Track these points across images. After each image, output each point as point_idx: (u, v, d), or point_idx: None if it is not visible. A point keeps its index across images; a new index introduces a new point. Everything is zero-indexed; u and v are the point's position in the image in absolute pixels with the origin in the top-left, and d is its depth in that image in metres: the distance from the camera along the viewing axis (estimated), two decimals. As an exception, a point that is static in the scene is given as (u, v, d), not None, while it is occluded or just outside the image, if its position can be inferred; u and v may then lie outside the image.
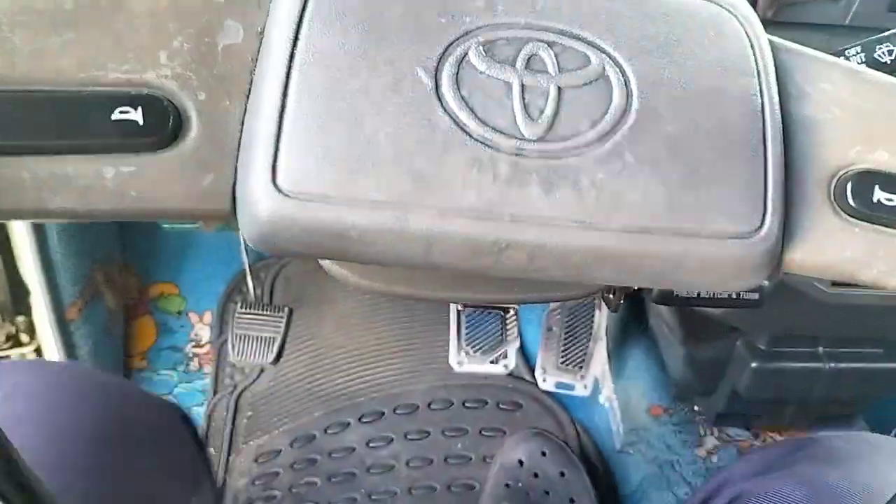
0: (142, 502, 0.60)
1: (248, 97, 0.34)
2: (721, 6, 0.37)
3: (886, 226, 0.36)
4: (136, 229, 1.33)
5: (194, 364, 1.27)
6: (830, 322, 0.94)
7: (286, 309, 1.27)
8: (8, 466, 0.33)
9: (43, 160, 0.32)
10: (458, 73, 0.34)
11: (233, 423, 1.19)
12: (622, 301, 0.61)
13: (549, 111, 0.34)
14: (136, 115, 0.33)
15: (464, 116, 0.33)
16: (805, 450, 0.66)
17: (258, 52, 0.35)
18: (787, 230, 0.35)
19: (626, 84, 0.35)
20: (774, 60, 0.37)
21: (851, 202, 0.36)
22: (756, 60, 0.36)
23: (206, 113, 0.34)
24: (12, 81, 0.32)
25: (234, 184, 0.34)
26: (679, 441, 1.16)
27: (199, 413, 1.21)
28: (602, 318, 1.23)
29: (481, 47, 0.34)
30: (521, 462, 1.07)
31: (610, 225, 0.33)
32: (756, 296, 0.63)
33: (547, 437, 1.10)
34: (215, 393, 1.23)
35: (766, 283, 0.62)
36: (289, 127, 0.33)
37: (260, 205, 0.32)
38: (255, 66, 0.34)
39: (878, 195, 0.36)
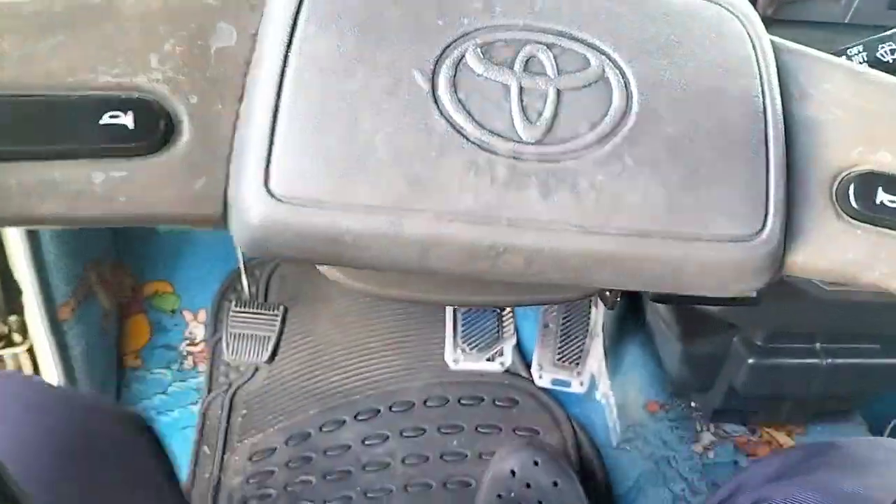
0: None
1: (240, 101, 0.34)
2: (722, 6, 0.37)
3: (889, 227, 0.36)
4: (129, 228, 1.32)
5: (188, 362, 1.27)
6: (827, 318, 0.94)
7: (281, 307, 1.26)
8: None
9: (30, 166, 0.31)
10: (455, 76, 0.33)
11: (227, 422, 1.19)
12: (619, 298, 0.61)
13: (547, 114, 0.33)
14: (127, 120, 0.32)
15: (461, 119, 0.33)
16: (822, 456, 0.65)
17: (252, 54, 0.34)
18: (788, 232, 0.35)
19: (625, 86, 0.34)
20: (776, 61, 0.37)
21: (854, 204, 0.35)
22: (757, 61, 0.36)
23: (198, 117, 0.33)
24: (0, 86, 0.31)
25: (226, 188, 0.33)
26: (675, 437, 1.16)
27: (193, 412, 1.21)
28: (598, 314, 1.23)
29: (479, 49, 0.34)
30: (513, 472, 1.07)
31: (609, 228, 0.33)
32: (753, 292, 0.63)
33: (539, 447, 1.09)
34: (210, 391, 1.23)
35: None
36: (282, 130, 0.32)
37: (252, 209, 0.32)
38: (249, 70, 0.34)
39: (881, 197, 0.35)
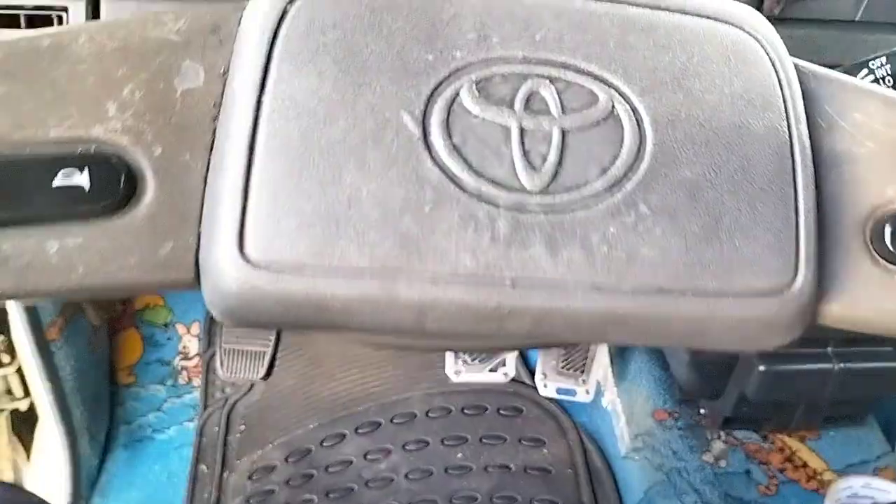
0: None
1: (211, 149, 0.30)
2: (741, 28, 0.33)
3: None
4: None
5: (183, 377, 1.24)
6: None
7: (276, 319, 1.22)
8: None
9: None
10: (448, 118, 0.30)
11: (225, 439, 1.16)
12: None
13: (552, 158, 0.30)
14: (82, 179, 0.29)
15: (456, 168, 0.29)
16: None
17: (222, 96, 0.31)
18: (821, 281, 0.32)
19: (638, 123, 0.31)
20: (801, 88, 0.33)
21: (890, 246, 0.32)
22: (782, 90, 0.32)
23: (163, 170, 0.30)
24: None
25: (198, 250, 0.30)
26: (686, 446, 1.13)
27: (189, 429, 1.18)
28: (603, 319, 1.19)
29: (474, 86, 0.30)
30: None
31: (624, 286, 0.29)
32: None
33: None
34: (206, 407, 1.19)
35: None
36: (256, 186, 0.29)
37: (226, 277, 0.28)
38: (219, 113, 0.30)
39: None
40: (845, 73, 0.58)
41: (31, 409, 1.08)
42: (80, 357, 1.11)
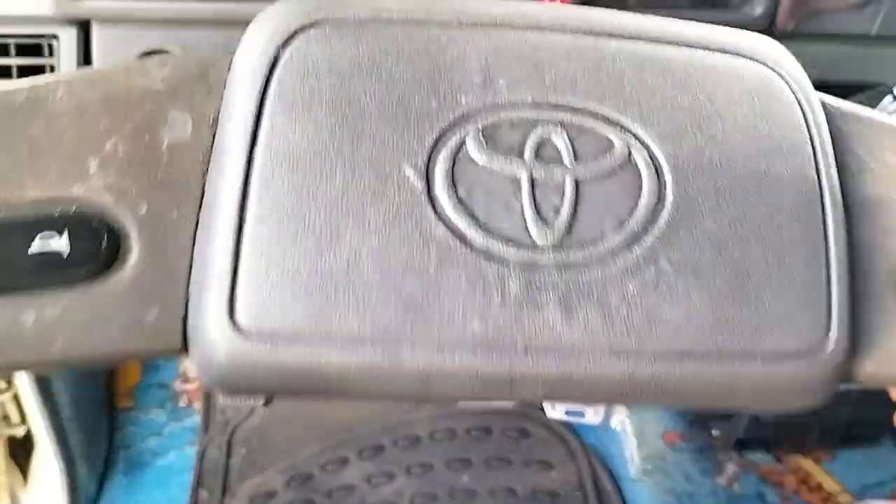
0: None
1: (200, 205, 0.28)
2: (765, 64, 0.31)
3: None
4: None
5: (183, 400, 1.21)
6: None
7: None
8: None
9: None
10: (453, 169, 0.28)
11: (226, 464, 1.13)
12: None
13: (565, 211, 0.28)
14: (61, 243, 0.26)
15: (462, 223, 0.27)
16: None
17: (211, 148, 0.29)
18: (854, 339, 0.30)
19: (656, 171, 0.29)
20: (829, 128, 0.31)
21: None
22: (809, 131, 0.30)
23: (149, 229, 0.28)
24: None
25: (186, 316, 0.28)
26: (698, 469, 1.10)
27: (190, 453, 1.15)
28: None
29: (481, 135, 0.28)
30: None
31: (645, 350, 0.27)
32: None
33: None
34: (206, 431, 1.17)
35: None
36: (248, 246, 0.27)
37: (216, 346, 0.26)
38: (208, 167, 0.28)
39: None
40: (867, 97, 0.56)
41: (29, 435, 1.06)
42: (78, 382, 1.09)
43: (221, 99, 0.29)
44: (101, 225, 0.27)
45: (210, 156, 0.28)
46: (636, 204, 0.28)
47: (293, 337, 0.26)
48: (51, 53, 0.61)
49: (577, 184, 0.28)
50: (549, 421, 1.16)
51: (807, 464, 1.13)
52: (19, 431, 1.05)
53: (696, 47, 0.31)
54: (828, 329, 0.29)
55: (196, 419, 1.20)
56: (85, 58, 0.61)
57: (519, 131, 0.29)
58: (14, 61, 0.61)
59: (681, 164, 0.29)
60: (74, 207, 0.27)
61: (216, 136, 0.29)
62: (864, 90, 0.66)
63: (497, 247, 0.27)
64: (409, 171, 0.28)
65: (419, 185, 0.27)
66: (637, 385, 0.28)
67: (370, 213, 0.27)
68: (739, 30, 0.32)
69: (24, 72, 0.61)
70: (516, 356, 0.27)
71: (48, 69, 0.61)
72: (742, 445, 1.08)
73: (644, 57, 0.30)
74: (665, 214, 0.28)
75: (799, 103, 0.31)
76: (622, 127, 0.29)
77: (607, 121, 0.29)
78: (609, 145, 0.29)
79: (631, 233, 0.28)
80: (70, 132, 0.28)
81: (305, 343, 0.26)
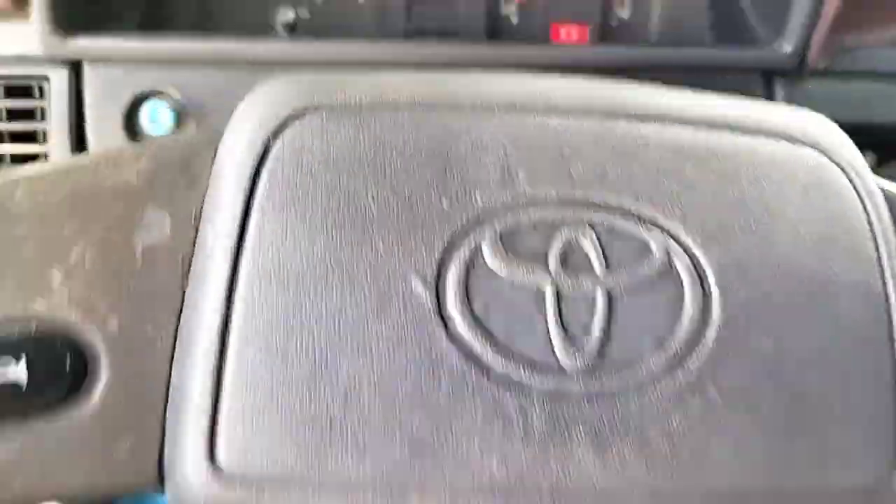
0: None
1: (179, 318, 0.25)
2: (817, 149, 0.27)
3: None
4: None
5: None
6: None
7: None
8: None
9: None
10: (467, 281, 0.24)
11: None
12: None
13: (596, 330, 0.24)
14: (18, 371, 0.23)
15: (478, 346, 0.24)
16: None
17: (193, 251, 0.25)
18: None
19: (700, 281, 0.25)
20: (893, 222, 0.27)
21: None
22: (872, 230, 0.27)
23: (120, 348, 0.24)
24: None
25: (161, 448, 0.24)
26: None
27: None
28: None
29: (499, 239, 0.25)
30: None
31: (691, 491, 0.24)
32: None
33: None
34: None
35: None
36: (232, 374, 0.23)
37: (193, 490, 0.23)
38: (188, 274, 0.25)
39: None
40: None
41: None
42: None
43: (205, 193, 0.26)
44: (66, 346, 0.24)
45: (191, 259, 0.25)
46: (678, 320, 0.25)
47: (282, 482, 0.23)
48: (41, 95, 0.58)
49: (609, 296, 0.25)
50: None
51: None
52: None
53: (741, 131, 0.27)
54: (894, 462, 0.25)
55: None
56: (77, 100, 0.58)
57: (542, 235, 0.25)
58: (2, 104, 0.58)
59: (728, 271, 0.25)
60: (35, 327, 0.24)
61: (198, 238, 0.25)
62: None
63: (518, 373, 0.24)
64: (417, 284, 0.24)
65: (428, 300, 0.24)
66: None
67: (371, 334, 0.23)
68: (784, 106, 0.29)
69: (14, 115, 0.58)
70: (542, 500, 0.23)
71: (39, 112, 0.58)
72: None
73: (683, 144, 0.26)
74: (711, 332, 0.25)
75: (858, 195, 0.27)
76: (660, 228, 0.25)
77: (643, 220, 0.25)
78: (645, 250, 0.25)
79: (673, 354, 0.24)
80: (30, 239, 0.24)
81: (296, 489, 0.23)
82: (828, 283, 0.25)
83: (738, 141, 0.27)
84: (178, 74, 0.57)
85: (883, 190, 0.28)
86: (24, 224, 0.24)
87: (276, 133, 0.25)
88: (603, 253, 0.25)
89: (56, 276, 0.24)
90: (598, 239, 0.25)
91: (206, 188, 0.26)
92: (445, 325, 0.24)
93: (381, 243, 0.24)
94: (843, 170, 0.27)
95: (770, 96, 0.61)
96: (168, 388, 0.24)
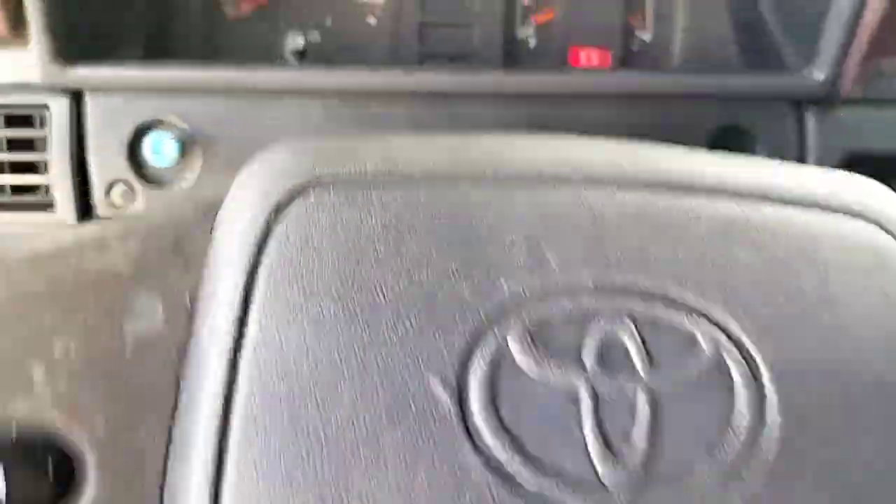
0: None
1: (172, 418, 0.22)
2: (877, 224, 0.25)
3: None
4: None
5: None
6: None
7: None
8: None
9: None
10: (493, 381, 0.22)
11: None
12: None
13: (640, 438, 0.22)
14: None
15: (506, 457, 0.21)
16: None
17: (188, 340, 0.23)
18: None
19: (754, 377, 0.22)
20: None
21: None
22: None
23: (109, 452, 0.22)
24: None
25: None
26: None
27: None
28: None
29: (527, 333, 0.22)
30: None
31: None
32: None
33: None
34: None
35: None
36: (231, 489, 0.21)
37: None
38: (183, 367, 0.23)
39: None
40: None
41: None
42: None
43: (200, 275, 0.23)
44: (49, 451, 0.21)
45: (186, 349, 0.23)
46: (730, 424, 0.22)
47: None
48: (42, 125, 0.56)
49: (653, 399, 0.22)
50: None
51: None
52: None
53: (792, 204, 0.24)
54: None
55: None
56: (78, 129, 0.55)
57: (576, 327, 0.22)
58: (3, 133, 0.56)
59: (785, 367, 0.22)
60: (14, 431, 0.21)
61: (193, 329, 0.23)
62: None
63: (552, 488, 0.21)
64: (436, 386, 0.22)
65: (449, 405, 0.21)
66: None
67: (386, 445, 0.21)
68: (834, 172, 0.26)
69: (15, 145, 0.56)
70: None
71: (39, 142, 0.56)
72: None
73: (730, 220, 0.24)
74: (768, 437, 0.22)
75: None
76: (708, 318, 0.23)
77: (689, 310, 0.23)
78: (692, 343, 0.23)
79: (726, 464, 0.22)
80: (7, 336, 0.22)
81: None
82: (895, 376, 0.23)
83: (790, 214, 0.24)
84: (182, 104, 0.54)
85: None
86: (0, 314, 0.22)
87: (278, 210, 0.23)
88: (644, 348, 0.22)
89: (37, 372, 0.22)
90: (639, 332, 0.22)
91: (202, 270, 0.23)
92: (469, 433, 0.21)
93: (396, 339, 0.22)
94: None
95: (800, 125, 0.58)
96: (162, 499, 0.22)
